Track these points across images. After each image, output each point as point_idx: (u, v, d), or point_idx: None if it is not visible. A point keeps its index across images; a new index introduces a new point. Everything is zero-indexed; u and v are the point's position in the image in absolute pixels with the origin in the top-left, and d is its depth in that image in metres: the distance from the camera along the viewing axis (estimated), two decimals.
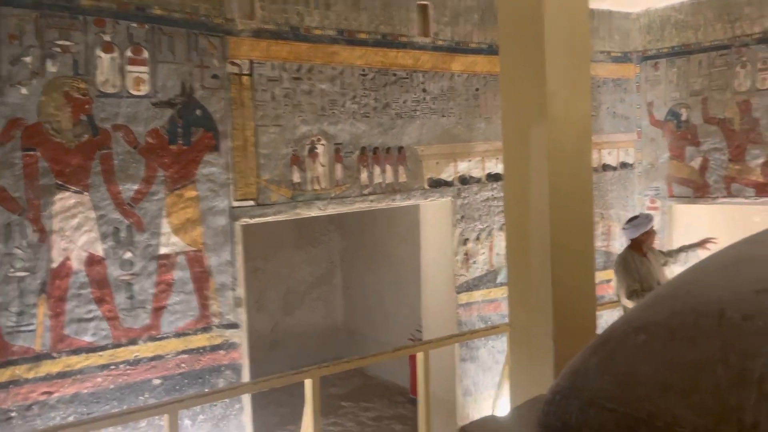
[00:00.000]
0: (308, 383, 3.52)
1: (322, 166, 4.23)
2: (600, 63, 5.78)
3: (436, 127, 4.74)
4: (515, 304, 2.31)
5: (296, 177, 4.12)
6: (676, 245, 5.33)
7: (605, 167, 5.89)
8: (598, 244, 5.80)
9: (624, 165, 6.01)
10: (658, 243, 5.33)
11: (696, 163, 5.62)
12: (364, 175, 4.42)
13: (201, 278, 3.73)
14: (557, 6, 2.02)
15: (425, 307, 5.36)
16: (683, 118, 5.69)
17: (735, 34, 5.20)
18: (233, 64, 3.88)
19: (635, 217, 4.87)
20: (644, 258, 4.68)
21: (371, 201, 4.48)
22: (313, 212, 4.24)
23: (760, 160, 5.14)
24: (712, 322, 1.02)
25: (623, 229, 4.91)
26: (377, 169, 4.47)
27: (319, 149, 4.21)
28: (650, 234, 4.71)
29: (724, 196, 5.41)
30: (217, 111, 3.80)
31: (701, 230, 5.36)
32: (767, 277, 1.01)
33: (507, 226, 2.32)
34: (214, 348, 3.76)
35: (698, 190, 5.61)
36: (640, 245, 4.69)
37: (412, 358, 5.99)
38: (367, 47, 4.39)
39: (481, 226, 5.02)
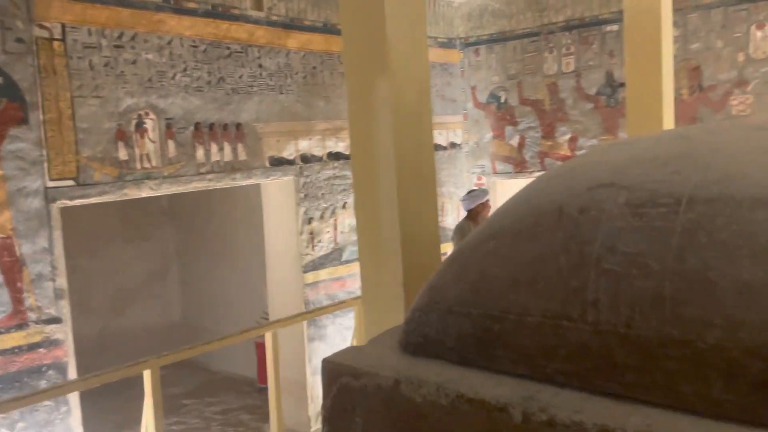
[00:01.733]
0: (147, 374, 3.25)
1: (152, 142, 3.93)
2: (428, 47, 6.07)
3: (274, 104, 4.64)
4: (365, 258, 2.34)
5: (123, 154, 3.78)
6: None
7: (437, 147, 6.21)
8: None
9: (453, 145, 6.40)
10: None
11: (515, 141, 6.16)
12: (200, 153, 4.19)
13: (12, 269, 3.26)
14: None
15: (271, 290, 5.25)
16: (502, 100, 6.19)
17: (543, 22, 5.77)
18: (42, 27, 3.44)
19: (473, 191, 5.42)
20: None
21: (209, 180, 4.27)
22: (144, 192, 3.93)
23: (568, 136, 5.77)
24: (553, 218, 1.10)
25: (462, 200, 5.34)
26: (214, 147, 4.27)
27: (148, 124, 3.91)
28: (486, 206, 5.21)
29: (539, 170, 5.99)
30: (23, 79, 3.35)
31: None
32: (597, 177, 1.11)
33: (354, 178, 2.34)
34: (33, 347, 3.32)
35: (517, 165, 6.16)
36: (476, 216, 5.15)
37: (260, 348, 5.85)
38: (196, 17, 4.16)
39: (325, 205, 5.02)
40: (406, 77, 2.18)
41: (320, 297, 4.99)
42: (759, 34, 4.73)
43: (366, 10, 2.16)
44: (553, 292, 1.03)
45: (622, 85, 4.99)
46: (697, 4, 4.93)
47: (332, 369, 1.25)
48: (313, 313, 4.33)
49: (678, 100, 5.06)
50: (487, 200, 5.29)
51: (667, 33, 3.93)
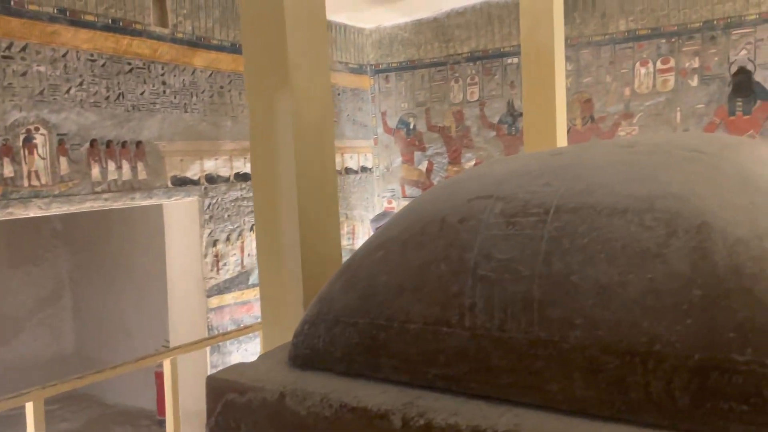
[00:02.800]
0: (29, 408, 3.00)
1: (42, 158, 3.69)
2: (339, 73, 6.15)
3: (179, 122, 4.51)
4: (265, 278, 2.29)
5: (8, 171, 3.52)
6: None
7: (348, 171, 6.26)
8: (344, 242, 6.12)
9: (364, 169, 6.47)
10: None
11: (423, 166, 6.31)
12: (96, 171, 3.98)
13: None
14: None
15: (173, 316, 5.02)
16: (411, 126, 6.35)
17: (449, 52, 6.00)
18: None
19: (382, 213, 5.54)
20: None
21: (105, 200, 4.05)
22: (32, 212, 3.67)
23: (473, 162, 5.98)
24: (436, 227, 1.13)
25: (371, 221, 5.40)
26: (112, 165, 4.07)
27: (38, 139, 3.68)
28: None
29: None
30: None
31: None
32: (478, 189, 1.16)
33: (255, 200, 2.30)
34: None
35: (425, 189, 6.30)
36: None
37: (159, 377, 5.55)
38: (95, 30, 3.99)
39: (231, 227, 4.90)
40: (308, 96, 2.19)
41: (225, 322, 4.83)
42: (643, 70, 5.15)
43: (267, 29, 2.16)
44: (434, 299, 1.06)
45: (521, 114, 5.26)
46: (589, 41, 5.31)
47: (216, 386, 1.21)
48: (216, 339, 4.17)
49: (572, 129, 5.39)
50: None
51: (560, 67, 4.20)
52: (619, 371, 0.86)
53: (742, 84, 4.72)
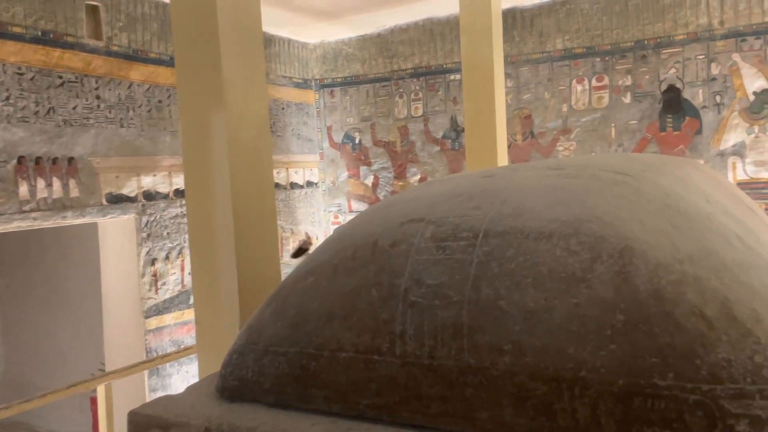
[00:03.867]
0: None
1: None
2: (283, 87, 6.09)
3: (114, 137, 4.35)
4: (201, 304, 2.21)
5: None
6: None
7: (293, 185, 6.18)
8: (287, 259, 6.03)
9: (310, 183, 6.41)
10: None
11: (369, 180, 6.30)
12: (24, 189, 3.79)
13: None
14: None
15: (109, 339, 4.81)
16: (357, 141, 6.34)
17: (393, 68, 6.04)
18: None
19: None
20: None
21: (34, 219, 3.86)
22: None
23: (417, 177, 6.02)
24: (367, 252, 1.11)
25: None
26: (41, 183, 3.88)
27: None
28: None
29: None
30: None
31: None
32: (410, 212, 1.14)
33: (189, 221, 2.22)
34: None
35: (372, 204, 6.30)
36: None
37: (95, 403, 5.29)
38: (23, 43, 3.81)
39: (171, 245, 4.75)
40: (244, 114, 2.13)
41: (165, 344, 4.66)
42: (579, 87, 5.31)
43: (200, 45, 2.10)
44: (365, 326, 1.03)
45: (464, 129, 5.33)
46: (528, 59, 5.44)
47: (139, 422, 1.15)
48: (154, 362, 4.01)
49: (513, 145, 5.51)
50: None
51: (500, 84, 4.28)
52: (547, 398, 0.85)
53: (672, 101, 4.94)
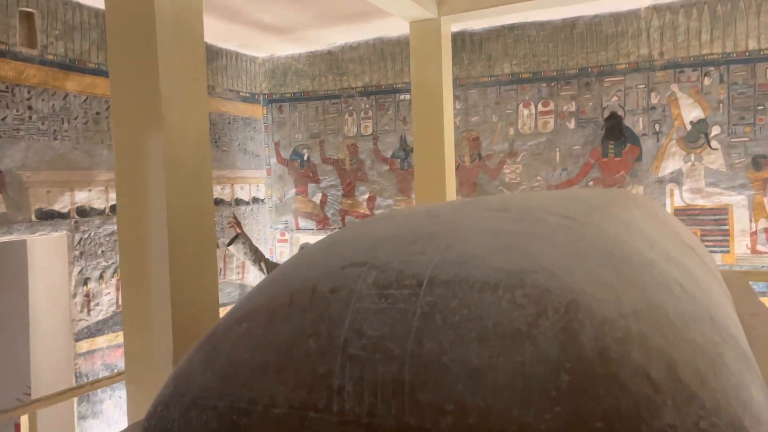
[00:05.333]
0: None
1: None
2: (230, 101, 5.97)
3: (46, 150, 4.13)
4: (130, 330, 2.09)
5: None
6: None
7: (238, 201, 6.04)
8: (233, 277, 5.87)
9: (256, 200, 6.27)
10: None
11: (317, 198, 6.23)
12: None
13: None
14: (168, 9, 1.96)
15: (35, 363, 4.53)
16: (305, 157, 6.26)
17: (343, 86, 6.01)
18: None
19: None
20: None
21: None
22: None
23: (366, 196, 5.99)
24: (306, 297, 1.04)
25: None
26: None
27: None
28: None
29: (340, 227, 6.11)
30: None
31: None
32: (352, 254, 1.09)
33: (120, 245, 2.10)
34: None
35: (320, 222, 6.21)
36: None
37: (18, 429, 4.97)
38: None
39: (106, 263, 4.53)
40: (183, 133, 2.03)
41: (97, 368, 4.43)
42: (525, 111, 5.42)
43: (137, 60, 2.00)
44: (301, 380, 0.97)
45: (413, 149, 5.34)
46: (476, 82, 5.51)
47: None
48: (83, 389, 3.79)
49: (461, 166, 5.55)
50: None
51: (449, 105, 4.31)
52: None
53: (614, 128, 5.09)
